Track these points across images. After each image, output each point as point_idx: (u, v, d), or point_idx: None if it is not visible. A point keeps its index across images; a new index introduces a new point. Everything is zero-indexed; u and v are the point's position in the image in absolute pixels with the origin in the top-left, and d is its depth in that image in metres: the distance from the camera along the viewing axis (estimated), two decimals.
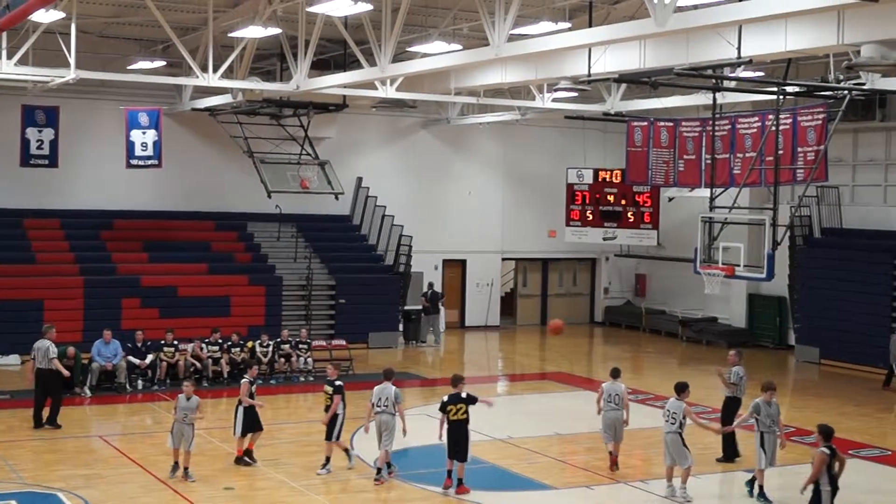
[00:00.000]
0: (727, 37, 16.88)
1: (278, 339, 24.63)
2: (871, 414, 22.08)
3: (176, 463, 15.81)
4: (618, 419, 16.70)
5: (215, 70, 21.17)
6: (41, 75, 21.52)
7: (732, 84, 22.80)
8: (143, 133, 25.71)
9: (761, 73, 23.52)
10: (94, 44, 25.50)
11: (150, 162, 25.92)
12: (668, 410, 15.31)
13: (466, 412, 15.44)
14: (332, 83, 21.74)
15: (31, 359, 19.41)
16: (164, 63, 26.26)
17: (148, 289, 26.74)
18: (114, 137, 26.98)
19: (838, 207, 29.40)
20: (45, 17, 18.93)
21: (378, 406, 15.98)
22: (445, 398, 15.59)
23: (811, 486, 12.95)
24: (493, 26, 16.12)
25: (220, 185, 30.00)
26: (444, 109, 32.22)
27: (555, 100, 26.43)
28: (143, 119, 25.72)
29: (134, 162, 25.89)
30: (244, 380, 16.76)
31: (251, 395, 16.48)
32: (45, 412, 18.95)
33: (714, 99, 23.11)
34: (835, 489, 12.92)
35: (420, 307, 30.38)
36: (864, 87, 20.95)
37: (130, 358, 22.83)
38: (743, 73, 21.27)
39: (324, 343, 26.35)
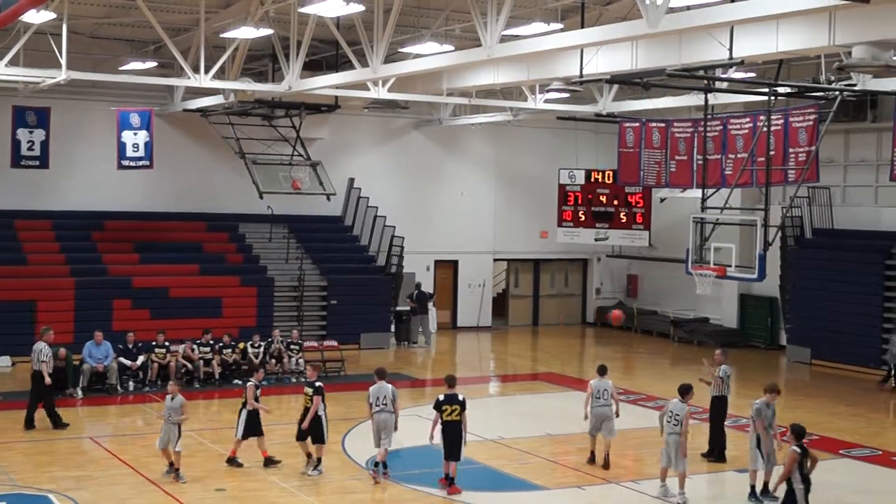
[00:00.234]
0: (719, 38, 16.89)
1: (269, 340, 24.61)
2: (862, 414, 22.13)
3: (170, 464, 15.79)
4: (608, 415, 16.84)
5: (207, 71, 21.14)
6: (32, 76, 21.48)
7: (724, 85, 22.82)
8: (135, 134, 25.64)
9: (753, 74, 23.55)
10: (86, 44, 25.44)
11: (141, 163, 25.85)
12: (671, 412, 15.29)
13: (460, 414, 15.47)
14: (324, 84, 21.72)
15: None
16: (155, 64, 26.22)
17: (139, 290, 26.69)
18: (105, 138, 26.93)
19: (829, 208, 29.46)
20: (36, 17, 18.89)
21: (377, 405, 16.01)
22: (441, 397, 15.61)
23: (784, 485, 13.05)
24: (485, 27, 16.12)
25: (212, 186, 29.96)
26: (437, 110, 32.22)
27: (547, 101, 26.45)
28: (135, 120, 25.66)
29: (125, 163, 25.81)
30: (250, 383, 16.72)
31: (256, 399, 16.44)
32: (44, 413, 18.92)
33: (706, 100, 23.14)
34: (808, 486, 13.01)
35: (408, 308, 30.34)
36: (856, 88, 21.00)
37: (122, 359, 22.78)
38: (735, 73, 21.28)
39: (315, 344, 26.31)
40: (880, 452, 18.63)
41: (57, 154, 26.32)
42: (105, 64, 25.78)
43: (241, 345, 24.31)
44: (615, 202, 31.62)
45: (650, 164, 27.69)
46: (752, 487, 15.29)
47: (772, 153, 22.83)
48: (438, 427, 15.55)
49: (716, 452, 17.51)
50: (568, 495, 15.71)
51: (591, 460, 17.03)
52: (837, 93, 21.33)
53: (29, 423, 18.80)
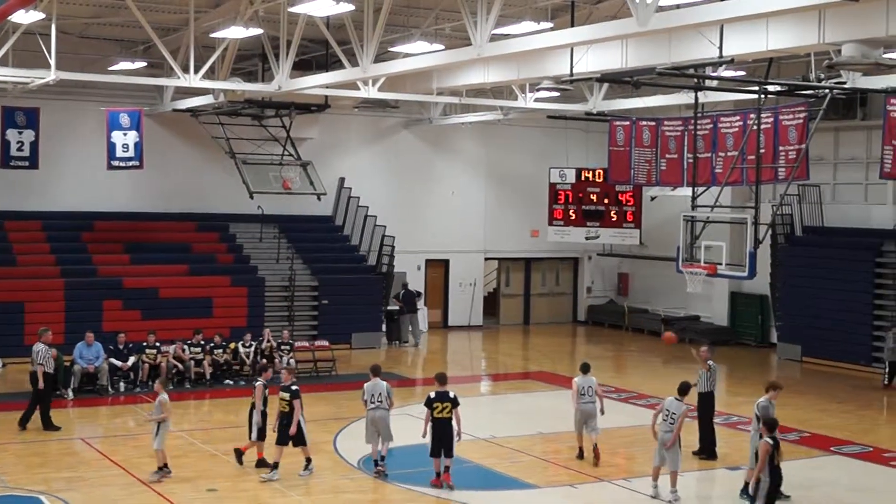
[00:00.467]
0: (709, 36, 16.92)
1: (260, 339, 24.60)
2: (852, 411, 22.17)
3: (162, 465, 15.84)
4: (592, 411, 17.01)
5: (197, 71, 21.10)
6: (21, 76, 21.40)
7: (714, 83, 22.86)
8: (124, 134, 25.58)
9: (743, 73, 23.59)
10: (75, 45, 25.36)
11: (131, 163, 25.80)
12: (667, 410, 15.30)
13: (451, 411, 15.50)
14: (314, 83, 21.69)
15: None
16: (145, 64, 26.15)
17: (130, 290, 26.63)
18: (94, 138, 26.87)
19: (819, 206, 29.52)
20: (24, 17, 18.82)
21: (371, 402, 16.05)
22: (432, 394, 15.65)
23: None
24: (475, 26, 16.11)
25: (202, 186, 29.91)
26: (427, 109, 32.20)
27: (537, 99, 26.45)
28: (124, 120, 25.60)
29: (115, 163, 25.75)
30: (258, 383, 16.58)
31: (265, 399, 16.35)
32: (37, 414, 18.92)
33: (696, 98, 23.18)
34: (780, 478, 13.14)
35: (397, 307, 30.32)
36: (845, 86, 21.05)
37: (112, 360, 22.71)
38: (725, 72, 21.32)
39: (307, 344, 26.28)
40: (871, 449, 18.66)
41: (46, 154, 26.26)
42: (94, 64, 25.72)
43: (233, 345, 24.27)
44: (606, 201, 31.66)
45: (640, 163, 27.76)
46: (746, 484, 15.27)
47: (762, 151, 22.89)
48: (430, 423, 15.59)
49: (706, 450, 17.52)
50: (559, 494, 15.72)
51: (580, 456, 17.14)
52: (827, 91, 21.38)
53: (23, 423, 18.75)
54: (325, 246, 31.12)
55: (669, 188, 28.27)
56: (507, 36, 17.78)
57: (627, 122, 27.94)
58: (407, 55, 20.32)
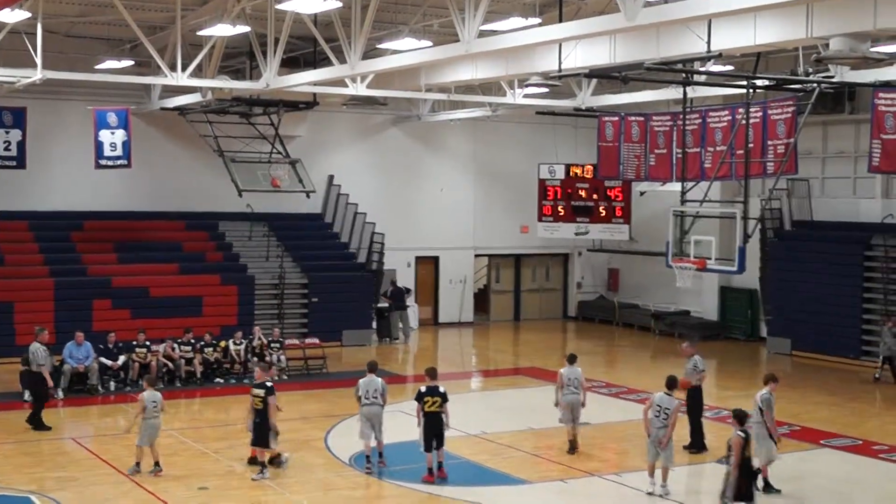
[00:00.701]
0: (697, 31, 16.92)
1: (251, 337, 24.57)
2: (842, 404, 22.25)
3: (155, 462, 15.88)
4: (576, 402, 17.23)
5: (184, 69, 21.05)
6: (7, 76, 21.32)
7: (702, 78, 22.85)
8: (112, 133, 25.51)
9: (731, 67, 23.63)
10: (61, 43, 25.30)
11: (119, 162, 25.73)
12: (659, 406, 15.28)
13: (441, 405, 15.59)
14: (302, 81, 21.65)
15: None
16: (132, 62, 26.08)
17: (119, 290, 26.56)
18: (82, 138, 26.77)
19: (808, 200, 29.60)
20: (10, 16, 18.76)
21: (366, 398, 16.10)
22: (423, 388, 15.76)
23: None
24: (462, 22, 16.09)
25: (191, 185, 29.83)
26: (415, 106, 32.19)
27: (526, 96, 26.45)
28: (112, 119, 25.52)
29: (103, 162, 25.68)
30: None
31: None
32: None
33: (684, 93, 23.19)
34: (751, 471, 13.23)
35: (386, 305, 30.30)
36: (834, 80, 21.09)
37: (102, 359, 22.65)
38: (713, 67, 21.33)
39: (297, 342, 26.25)
40: (860, 442, 18.73)
41: (34, 154, 26.18)
42: (81, 63, 25.60)
43: (223, 343, 24.23)
44: (595, 196, 31.69)
45: (629, 158, 27.77)
46: (765, 480, 15.27)
47: (751, 146, 22.92)
48: (422, 416, 15.65)
49: (696, 444, 17.55)
50: (551, 489, 15.73)
51: (571, 450, 17.26)
52: (815, 85, 21.43)
53: (38, 424, 18.88)
54: (315, 244, 31.08)
55: (658, 183, 28.30)
56: (495, 32, 17.78)
57: (616, 118, 27.96)
58: (395, 52, 20.30)
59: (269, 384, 15.85)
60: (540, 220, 32.49)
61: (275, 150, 28.55)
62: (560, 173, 32.03)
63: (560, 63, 19.67)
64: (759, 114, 23.35)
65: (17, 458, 17.14)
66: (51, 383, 19.54)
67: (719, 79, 23.08)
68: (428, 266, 33.97)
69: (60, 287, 26.01)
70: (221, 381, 23.66)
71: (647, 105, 28.03)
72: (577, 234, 32.33)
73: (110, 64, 25.50)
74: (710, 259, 21.94)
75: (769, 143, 23.33)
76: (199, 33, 21.58)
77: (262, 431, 15.64)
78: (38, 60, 20.12)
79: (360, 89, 23.12)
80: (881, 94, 21.44)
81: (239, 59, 26.04)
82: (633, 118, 27.53)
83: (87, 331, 23.42)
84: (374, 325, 30.03)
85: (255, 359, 23.62)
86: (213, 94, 24.56)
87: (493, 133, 33.86)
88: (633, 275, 35.13)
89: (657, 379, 15.74)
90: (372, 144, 33.00)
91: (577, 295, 36.34)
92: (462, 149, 34.24)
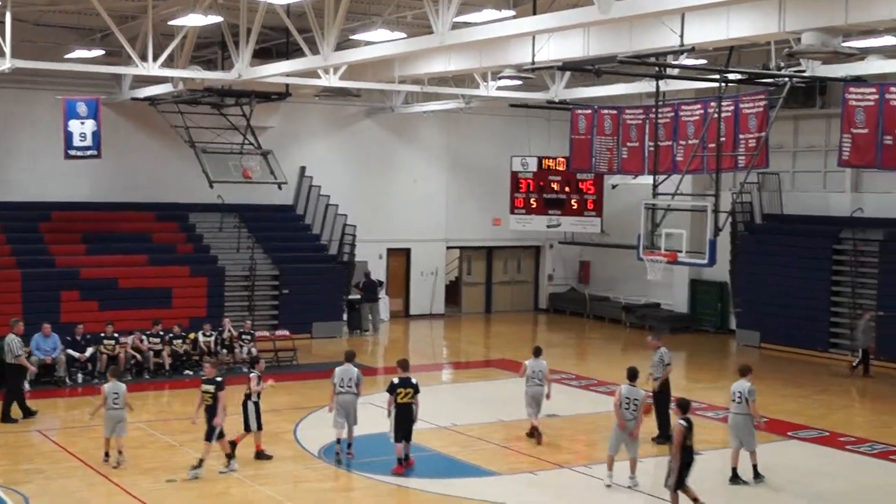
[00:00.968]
0: (670, 25, 16.96)
1: (220, 329, 24.45)
2: (809, 396, 22.42)
3: (119, 451, 15.84)
4: (540, 393, 17.56)
5: (155, 59, 20.88)
6: None
7: (675, 72, 22.92)
8: (82, 123, 25.26)
9: (704, 61, 23.68)
10: (30, 32, 24.98)
11: (88, 152, 25.49)
12: (628, 398, 15.28)
13: (413, 397, 15.67)
14: (274, 72, 21.53)
15: None
16: (102, 52, 25.81)
17: (87, 281, 26.33)
18: (51, 128, 26.50)
19: (779, 194, 29.76)
20: None
21: (341, 387, 16.16)
22: (395, 380, 15.82)
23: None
24: (436, 14, 16.04)
25: (161, 176, 29.61)
26: (388, 98, 32.10)
27: (499, 88, 26.41)
28: (82, 109, 25.27)
29: (72, 153, 25.42)
30: (253, 374, 16.49)
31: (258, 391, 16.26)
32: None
33: (657, 86, 23.22)
34: (691, 458, 13.42)
35: (357, 297, 30.22)
36: (805, 75, 21.21)
37: (70, 351, 22.50)
38: (685, 60, 21.38)
39: (267, 334, 26.14)
40: (828, 433, 18.86)
41: (2, 144, 25.97)
42: (50, 52, 25.30)
43: (192, 335, 24.10)
44: (567, 189, 31.77)
45: (602, 151, 27.81)
46: (755, 467, 15.36)
47: (722, 139, 23.03)
48: (394, 407, 15.68)
49: (664, 435, 17.60)
50: (520, 481, 15.75)
51: (531, 434, 17.58)
52: (787, 79, 21.54)
53: (26, 412, 18.96)
54: (286, 235, 30.96)
55: (630, 176, 28.39)
56: (468, 24, 17.71)
57: (589, 111, 27.99)
58: (368, 43, 20.20)
59: (219, 379, 15.75)
60: (512, 212, 32.53)
61: (246, 142, 28.39)
62: (532, 166, 32.07)
63: (533, 55, 19.68)
64: (731, 108, 23.44)
65: None
66: (32, 369, 20.05)
67: (692, 72, 23.15)
68: (399, 258, 33.92)
69: (28, 278, 25.73)
70: (190, 373, 23.50)
71: (620, 98, 28.08)
72: (548, 226, 32.41)
73: (80, 53, 25.21)
74: (680, 252, 22.02)
75: (741, 136, 23.42)
76: (171, 23, 21.39)
77: (213, 426, 15.52)
78: (7, 49, 19.90)
79: (333, 80, 23.03)
80: (851, 89, 21.56)
81: (211, 49, 25.85)
82: (605, 111, 27.57)
83: (55, 322, 23.21)
84: (345, 316, 29.96)
85: (224, 351, 23.52)
86: (185, 84, 24.39)
87: (466, 125, 33.84)
88: (605, 267, 35.22)
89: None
90: (344, 136, 32.89)
91: (549, 287, 36.40)
92: (435, 141, 34.20)
